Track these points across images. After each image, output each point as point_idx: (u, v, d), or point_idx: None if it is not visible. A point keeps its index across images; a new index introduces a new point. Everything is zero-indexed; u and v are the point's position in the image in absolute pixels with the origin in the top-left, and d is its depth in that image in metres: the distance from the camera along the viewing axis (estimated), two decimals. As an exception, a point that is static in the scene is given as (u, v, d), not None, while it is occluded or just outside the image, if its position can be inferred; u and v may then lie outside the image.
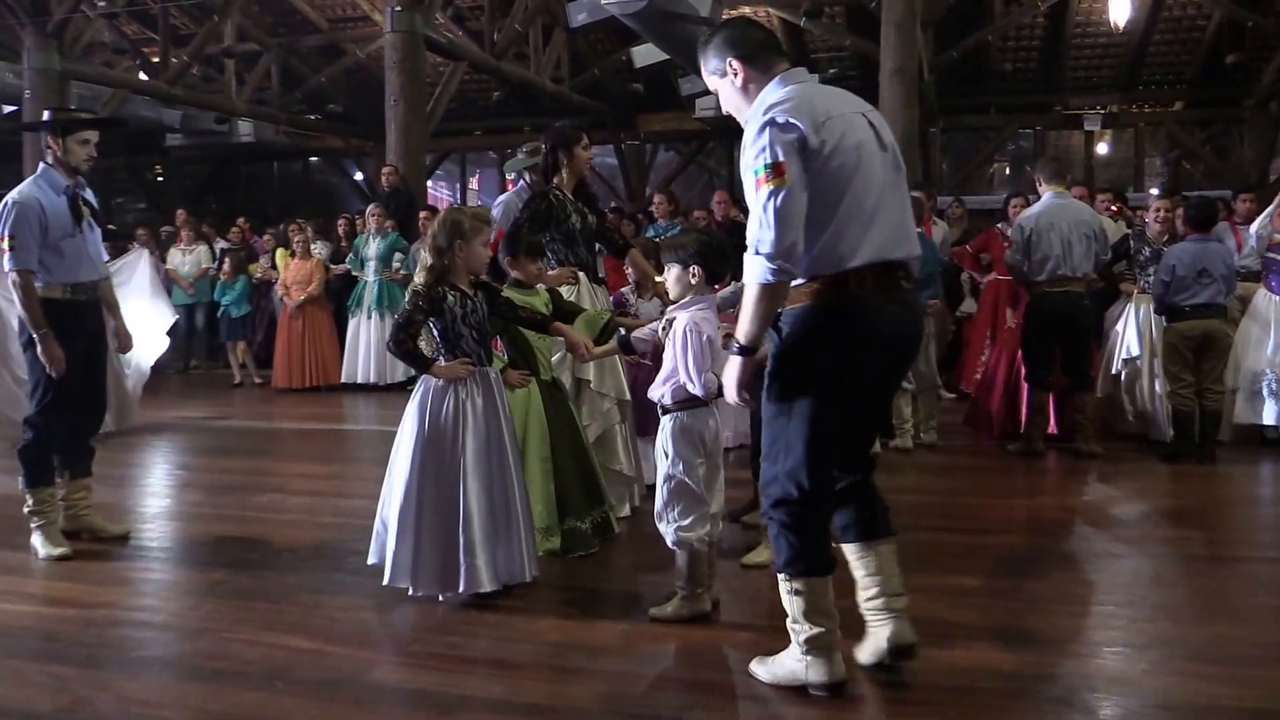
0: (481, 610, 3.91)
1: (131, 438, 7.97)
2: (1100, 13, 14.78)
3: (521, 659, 3.54)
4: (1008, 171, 20.43)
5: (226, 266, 11.90)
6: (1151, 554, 4.80)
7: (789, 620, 3.17)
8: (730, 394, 3.10)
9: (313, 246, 11.43)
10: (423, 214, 11.00)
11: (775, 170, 2.84)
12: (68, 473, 5.08)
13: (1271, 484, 6.47)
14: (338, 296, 11.31)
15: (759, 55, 3.11)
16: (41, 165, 4.96)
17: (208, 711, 3.17)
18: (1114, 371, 7.27)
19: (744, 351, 3.01)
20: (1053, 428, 6.98)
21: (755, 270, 2.89)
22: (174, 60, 15.19)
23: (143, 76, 16.03)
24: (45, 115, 5.29)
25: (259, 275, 12.16)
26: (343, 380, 10.88)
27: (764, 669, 3.26)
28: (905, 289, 3.10)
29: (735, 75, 3.12)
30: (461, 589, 3.92)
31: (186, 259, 12.62)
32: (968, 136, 19.13)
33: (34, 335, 4.73)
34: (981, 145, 18.68)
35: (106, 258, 5.32)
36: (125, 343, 5.38)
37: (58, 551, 4.79)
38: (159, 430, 8.44)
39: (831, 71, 16.47)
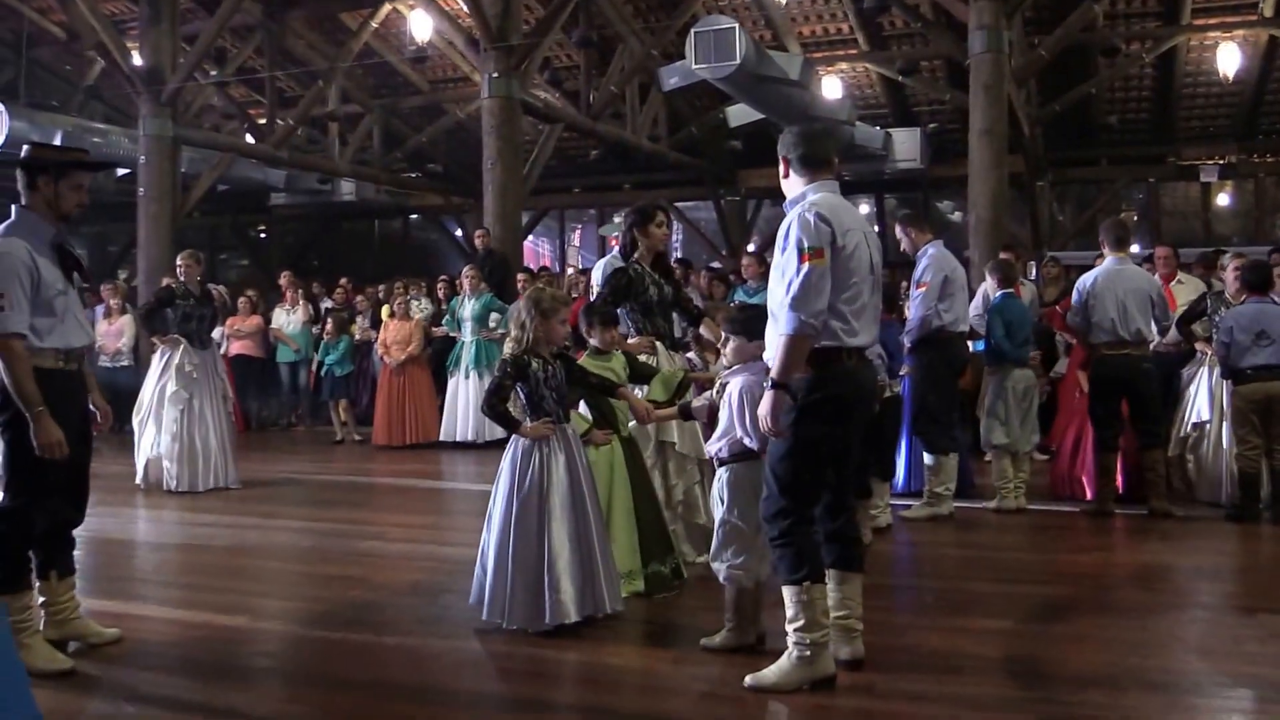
0: (551, 637, 4.71)
1: (237, 491, 9.00)
2: (1210, 62, 15.17)
3: (583, 674, 4.44)
4: (1130, 223, 20.68)
5: (330, 326, 12.91)
6: (1186, 605, 5.36)
7: (794, 629, 4.03)
8: (766, 422, 4.00)
9: (414, 304, 12.50)
10: (520, 276, 11.92)
11: (816, 253, 3.91)
12: (54, 572, 4.56)
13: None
14: (438, 356, 12.25)
15: (809, 163, 4.24)
16: (16, 210, 4.40)
17: (323, 708, 4.13)
18: (1182, 434, 7.77)
19: (776, 387, 3.97)
20: (1120, 486, 7.50)
21: (789, 324, 3.90)
22: (280, 123, 16.54)
23: (250, 139, 17.46)
24: (24, 151, 4.55)
25: (359, 336, 13.18)
26: (441, 438, 11.73)
27: (766, 680, 4.06)
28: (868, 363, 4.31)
29: (782, 166, 4.29)
30: (548, 621, 4.73)
31: (290, 318, 13.70)
32: (1084, 188, 19.52)
33: (26, 413, 4.18)
34: (1096, 197, 19.07)
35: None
36: (107, 419, 4.96)
37: (55, 668, 4.29)
38: (264, 484, 9.39)
39: (932, 126, 17.08)
